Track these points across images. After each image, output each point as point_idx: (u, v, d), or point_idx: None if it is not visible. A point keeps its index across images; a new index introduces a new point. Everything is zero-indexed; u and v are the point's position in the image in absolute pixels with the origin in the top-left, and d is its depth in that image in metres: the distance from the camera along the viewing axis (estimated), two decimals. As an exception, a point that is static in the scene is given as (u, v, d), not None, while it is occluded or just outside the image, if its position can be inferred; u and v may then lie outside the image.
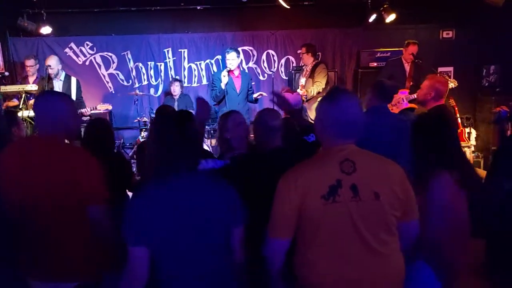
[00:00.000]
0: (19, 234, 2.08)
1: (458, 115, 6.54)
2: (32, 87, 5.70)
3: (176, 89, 6.56)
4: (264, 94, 5.86)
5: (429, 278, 2.16)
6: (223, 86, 5.36)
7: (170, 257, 1.68)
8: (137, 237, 1.61)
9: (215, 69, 7.19)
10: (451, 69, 7.00)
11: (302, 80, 5.86)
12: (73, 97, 5.75)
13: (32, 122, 5.40)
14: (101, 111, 5.88)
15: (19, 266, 2.12)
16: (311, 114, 5.81)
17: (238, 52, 5.52)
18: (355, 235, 1.75)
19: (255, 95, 5.65)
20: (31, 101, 5.56)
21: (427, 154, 2.20)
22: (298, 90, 5.72)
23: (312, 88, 5.78)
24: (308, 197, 1.74)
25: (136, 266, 1.64)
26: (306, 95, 5.79)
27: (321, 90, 5.82)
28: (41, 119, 2.13)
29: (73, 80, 5.86)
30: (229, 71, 5.43)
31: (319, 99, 5.80)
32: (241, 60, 7.21)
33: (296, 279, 1.90)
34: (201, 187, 1.73)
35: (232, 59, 5.41)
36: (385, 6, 6.44)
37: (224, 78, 5.35)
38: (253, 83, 6.13)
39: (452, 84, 5.86)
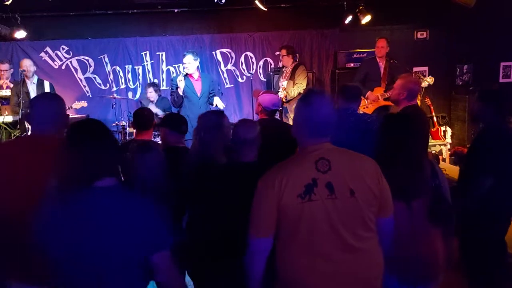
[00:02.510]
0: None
1: (433, 114, 6.70)
2: (6, 92, 5.60)
3: (151, 95, 6.31)
4: (221, 106, 5.38)
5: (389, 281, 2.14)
6: (180, 92, 5.15)
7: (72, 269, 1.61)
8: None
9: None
10: (425, 69, 7.14)
11: (284, 83, 5.80)
12: None
13: (7, 128, 5.31)
14: (77, 109, 5.91)
15: None
16: (293, 115, 5.81)
17: (195, 55, 5.28)
18: (332, 232, 1.78)
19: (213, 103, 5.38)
20: (5, 106, 5.47)
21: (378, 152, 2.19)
22: (279, 92, 5.67)
23: (292, 89, 5.79)
24: (285, 196, 1.78)
25: None
26: (286, 97, 5.78)
27: (302, 91, 5.81)
28: (40, 118, 2.14)
29: (46, 84, 5.79)
30: (188, 75, 5.25)
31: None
32: (220, 63, 7.25)
33: (273, 279, 1.92)
34: (108, 205, 1.59)
35: (189, 63, 5.20)
36: (361, 7, 6.54)
37: (180, 83, 5.11)
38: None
39: (429, 80, 5.99)
